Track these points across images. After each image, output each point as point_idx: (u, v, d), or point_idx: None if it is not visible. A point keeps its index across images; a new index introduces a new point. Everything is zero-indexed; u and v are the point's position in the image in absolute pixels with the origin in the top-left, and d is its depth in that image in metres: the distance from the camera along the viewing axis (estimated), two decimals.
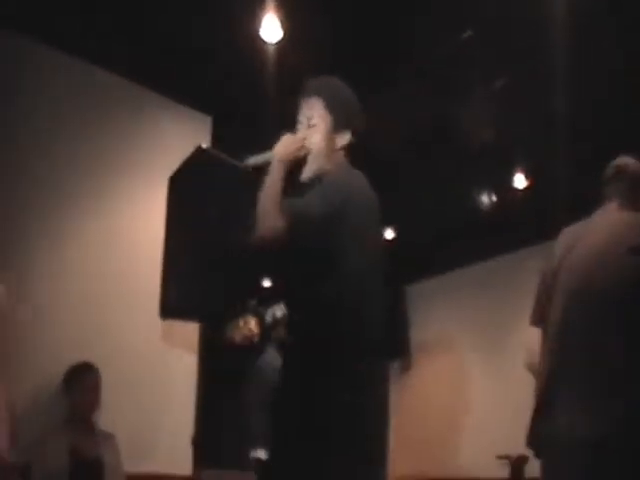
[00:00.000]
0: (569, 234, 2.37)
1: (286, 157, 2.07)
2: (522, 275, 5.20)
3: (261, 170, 2.06)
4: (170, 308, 3.03)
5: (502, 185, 5.53)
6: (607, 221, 2.28)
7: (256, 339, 5.92)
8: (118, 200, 3.94)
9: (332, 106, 2.17)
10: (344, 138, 2.17)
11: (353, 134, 2.18)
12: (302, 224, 1.89)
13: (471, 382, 6.61)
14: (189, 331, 4.05)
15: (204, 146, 2.25)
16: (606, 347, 2.07)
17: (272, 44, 3.76)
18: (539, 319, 2.34)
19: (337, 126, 2.16)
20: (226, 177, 2.18)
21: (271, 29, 3.65)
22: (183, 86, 4.15)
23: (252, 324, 5.86)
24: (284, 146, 2.10)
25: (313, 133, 2.15)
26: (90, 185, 3.82)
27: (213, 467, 4.46)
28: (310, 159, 2.13)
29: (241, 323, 5.66)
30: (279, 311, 4.98)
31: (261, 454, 4.30)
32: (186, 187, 2.33)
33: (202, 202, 2.37)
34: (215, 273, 2.67)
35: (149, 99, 4.18)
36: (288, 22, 3.62)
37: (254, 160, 2.12)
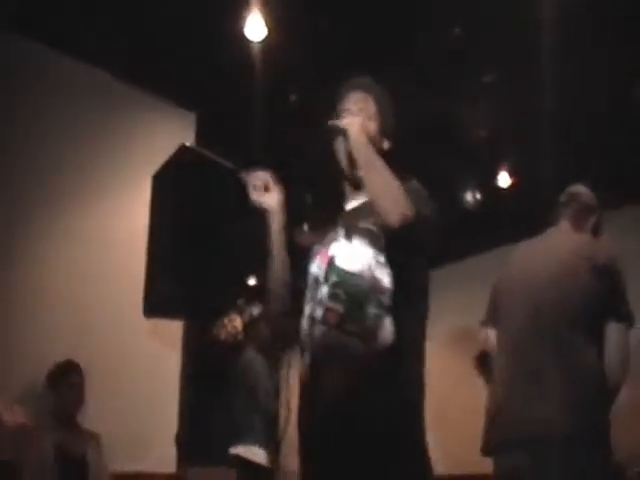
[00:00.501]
0: (525, 249, 2.72)
1: (366, 141, 1.91)
2: None
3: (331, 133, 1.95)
4: (154, 307, 3.00)
5: (486, 183, 5.57)
6: (562, 240, 2.60)
7: (240, 337, 5.93)
8: (102, 198, 3.93)
9: (380, 108, 2.09)
10: (385, 143, 2.09)
11: (390, 146, 2.10)
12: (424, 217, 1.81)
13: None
14: (173, 330, 4.05)
15: (188, 144, 2.25)
16: (560, 355, 2.31)
17: (257, 42, 3.77)
18: (491, 322, 2.69)
19: (383, 130, 2.08)
20: (211, 175, 2.18)
21: (256, 28, 3.65)
22: (167, 84, 4.14)
23: (237, 322, 5.86)
24: (361, 129, 1.93)
25: (369, 124, 2.04)
26: (74, 184, 3.81)
27: (198, 465, 4.47)
28: None
29: (226, 321, 5.67)
30: (256, 309, 4.93)
31: (240, 450, 4.31)
32: (170, 185, 2.32)
33: (186, 200, 2.36)
34: (200, 271, 2.66)
35: (133, 96, 4.18)
36: (273, 21, 3.62)
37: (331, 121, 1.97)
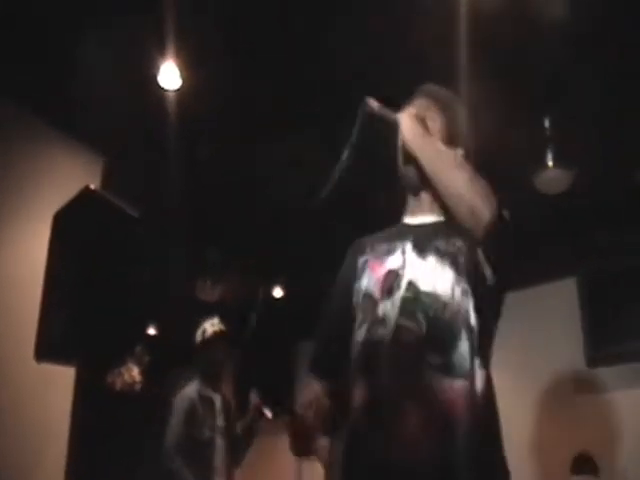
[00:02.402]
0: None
1: (424, 132, 1.66)
2: None
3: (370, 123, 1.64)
4: (47, 350, 2.92)
5: None
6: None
7: (137, 387, 5.77)
8: (1, 234, 3.80)
9: (448, 117, 1.84)
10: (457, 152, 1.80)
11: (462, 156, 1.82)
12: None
13: None
14: (66, 375, 3.91)
15: (92, 187, 2.23)
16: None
17: (171, 91, 3.78)
18: None
19: (450, 138, 1.80)
20: (113, 220, 2.17)
21: (170, 76, 3.67)
22: (77, 123, 4.07)
23: (134, 372, 5.71)
24: (415, 119, 1.68)
25: (432, 124, 1.78)
26: None
27: None
28: None
29: (123, 370, 5.52)
30: (212, 327, 4.18)
31: None
32: (71, 226, 2.30)
33: (87, 243, 2.33)
34: (97, 317, 2.61)
35: (41, 132, 4.09)
36: (187, 70, 3.65)
37: (375, 107, 1.67)
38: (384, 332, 1.53)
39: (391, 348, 1.51)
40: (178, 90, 3.76)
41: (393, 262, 1.64)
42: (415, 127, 1.64)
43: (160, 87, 3.73)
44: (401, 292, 1.55)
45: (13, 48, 3.53)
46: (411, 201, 1.81)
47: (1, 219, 3.81)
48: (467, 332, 1.51)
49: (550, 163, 4.14)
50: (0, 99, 3.85)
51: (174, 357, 6.15)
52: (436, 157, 1.59)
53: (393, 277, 1.60)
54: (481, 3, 3.19)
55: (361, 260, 1.74)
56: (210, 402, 4.08)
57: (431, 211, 1.76)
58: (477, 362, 1.50)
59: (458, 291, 1.54)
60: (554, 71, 3.66)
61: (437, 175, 1.56)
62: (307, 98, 3.93)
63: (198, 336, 4.15)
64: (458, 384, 1.45)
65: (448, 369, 1.46)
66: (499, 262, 1.54)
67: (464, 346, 1.49)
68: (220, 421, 4.06)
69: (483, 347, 1.55)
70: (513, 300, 5.89)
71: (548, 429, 5.44)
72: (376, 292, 1.60)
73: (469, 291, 1.55)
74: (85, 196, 2.15)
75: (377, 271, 1.65)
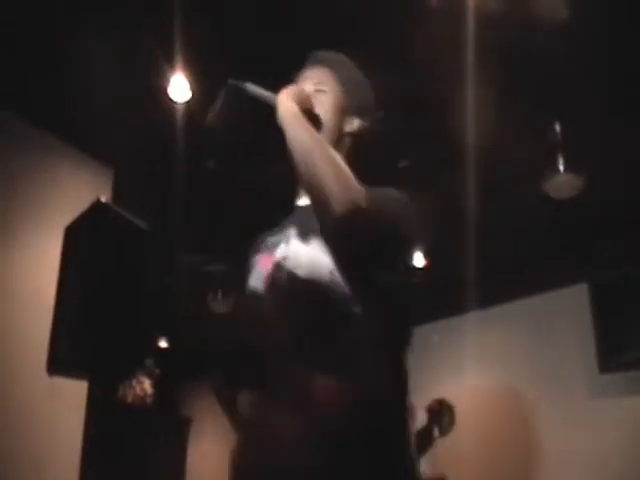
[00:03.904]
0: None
1: (296, 111, 1.51)
2: None
3: (251, 102, 1.54)
4: (59, 364, 2.92)
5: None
6: None
7: (149, 400, 5.75)
8: (11, 247, 3.81)
9: (344, 82, 1.74)
10: (353, 123, 1.71)
11: (361, 126, 1.72)
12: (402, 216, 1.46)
13: None
14: (78, 389, 3.91)
15: (103, 200, 2.23)
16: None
17: (181, 104, 3.79)
18: None
19: (347, 108, 1.71)
20: (123, 233, 2.17)
21: (180, 89, 3.68)
22: (87, 136, 4.08)
23: (146, 384, 5.71)
24: (291, 97, 1.55)
25: (323, 97, 1.68)
26: None
27: None
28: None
29: (134, 383, 5.52)
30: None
31: None
32: (82, 239, 2.30)
33: (98, 256, 2.32)
34: (108, 330, 2.61)
35: (50, 145, 4.10)
36: (197, 83, 3.66)
37: (253, 89, 1.56)
38: (269, 331, 1.43)
39: (274, 346, 1.40)
40: (188, 102, 3.77)
41: (279, 253, 1.52)
42: (290, 107, 1.50)
43: (170, 99, 3.74)
44: (283, 283, 1.44)
45: (24, 62, 3.55)
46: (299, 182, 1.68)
47: (13, 232, 3.81)
48: (351, 324, 1.37)
49: (561, 168, 4.13)
50: (12, 114, 3.87)
51: (185, 370, 6.15)
52: (301, 142, 1.42)
53: (277, 270, 1.48)
54: (493, 9, 3.19)
55: (254, 259, 1.64)
56: None
57: None
58: (371, 358, 1.36)
59: (339, 276, 1.40)
60: (565, 74, 3.65)
61: (300, 162, 1.40)
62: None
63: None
64: (343, 383, 1.32)
65: (332, 366, 1.33)
66: (371, 261, 1.40)
67: (348, 337, 1.36)
68: None
69: (381, 341, 1.40)
70: (526, 307, 5.87)
71: (561, 435, 5.41)
72: (261, 288, 1.50)
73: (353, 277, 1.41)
74: (96, 209, 2.15)
75: (265, 266, 1.54)
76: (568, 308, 5.62)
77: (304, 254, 1.46)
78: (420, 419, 3.58)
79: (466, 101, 3.66)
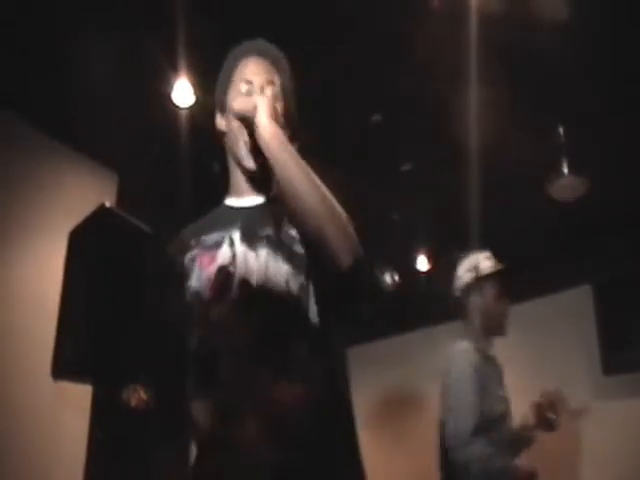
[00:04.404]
0: None
1: (281, 136, 1.41)
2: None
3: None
4: (63, 368, 2.90)
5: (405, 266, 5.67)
6: None
7: (151, 403, 5.73)
8: (16, 250, 3.82)
9: (285, 89, 1.62)
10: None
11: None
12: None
13: None
14: (83, 393, 3.91)
15: (108, 204, 2.23)
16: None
17: (184, 108, 3.80)
18: None
19: (285, 119, 1.56)
20: (128, 238, 2.17)
21: (183, 93, 3.69)
22: (91, 140, 4.09)
23: (141, 390, 5.68)
24: (272, 118, 1.42)
25: (265, 105, 1.45)
26: None
27: None
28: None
29: (138, 387, 5.50)
30: (486, 260, 3.21)
31: None
32: (87, 244, 2.29)
33: (103, 261, 2.32)
34: (114, 334, 2.60)
35: (54, 149, 4.11)
36: (201, 87, 3.67)
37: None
38: (218, 337, 1.38)
39: (227, 354, 1.36)
40: (191, 107, 3.78)
41: (222, 256, 1.45)
42: (273, 129, 1.39)
43: (174, 104, 3.74)
44: (233, 292, 1.38)
45: (30, 67, 3.56)
46: (239, 179, 1.60)
47: (17, 237, 3.83)
48: (306, 331, 1.37)
49: (565, 170, 4.13)
50: (17, 119, 3.88)
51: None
52: (297, 173, 1.34)
53: (224, 275, 1.42)
54: (494, 9, 3.19)
55: (188, 257, 1.53)
56: (493, 362, 3.06)
57: (260, 191, 1.57)
58: (323, 363, 1.37)
59: (295, 286, 1.38)
60: (565, 74, 3.66)
61: (293, 194, 1.32)
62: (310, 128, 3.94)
63: (465, 272, 3.18)
64: (296, 387, 1.31)
65: (286, 372, 1.32)
66: (357, 300, 1.39)
67: (303, 346, 1.35)
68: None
69: (332, 346, 1.41)
70: (530, 309, 5.85)
71: (565, 436, 5.39)
72: (206, 292, 1.43)
73: (309, 286, 1.39)
74: (100, 213, 2.14)
75: (207, 268, 1.46)
76: (571, 310, 5.62)
77: (254, 261, 1.42)
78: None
79: (466, 101, 3.67)
